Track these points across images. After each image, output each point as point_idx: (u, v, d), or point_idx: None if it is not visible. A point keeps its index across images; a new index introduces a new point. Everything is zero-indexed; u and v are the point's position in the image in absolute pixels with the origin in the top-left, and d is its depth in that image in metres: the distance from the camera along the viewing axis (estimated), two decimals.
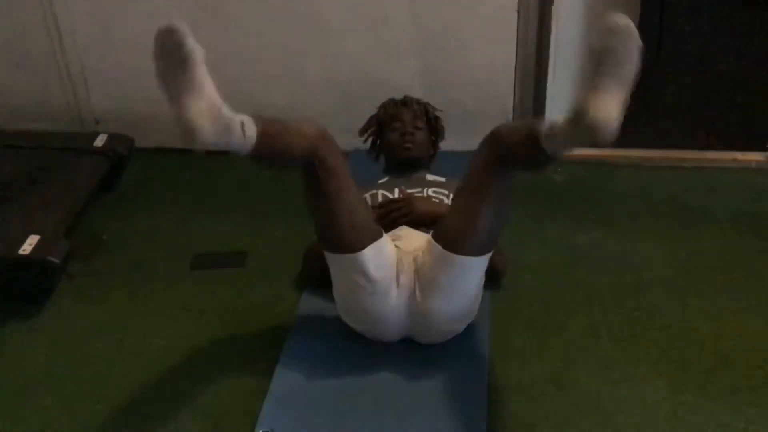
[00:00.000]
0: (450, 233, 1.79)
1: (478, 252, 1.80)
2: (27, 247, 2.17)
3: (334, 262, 1.86)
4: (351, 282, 1.82)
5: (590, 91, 1.43)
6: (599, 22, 1.45)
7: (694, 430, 1.73)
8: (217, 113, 1.54)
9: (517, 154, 1.67)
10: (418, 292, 1.82)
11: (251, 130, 1.61)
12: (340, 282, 1.88)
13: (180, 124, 1.53)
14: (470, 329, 1.95)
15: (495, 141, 1.72)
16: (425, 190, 2.23)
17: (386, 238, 1.86)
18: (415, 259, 1.85)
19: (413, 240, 1.93)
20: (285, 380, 1.82)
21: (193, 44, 1.53)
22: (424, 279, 1.82)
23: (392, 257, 1.84)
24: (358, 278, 1.80)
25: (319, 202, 1.78)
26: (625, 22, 1.44)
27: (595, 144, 1.45)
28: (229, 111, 1.58)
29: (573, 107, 1.46)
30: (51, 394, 1.91)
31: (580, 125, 1.44)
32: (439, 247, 1.79)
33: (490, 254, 1.85)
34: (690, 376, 1.88)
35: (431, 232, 1.86)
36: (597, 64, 1.44)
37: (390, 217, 2.06)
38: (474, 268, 1.83)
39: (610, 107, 1.42)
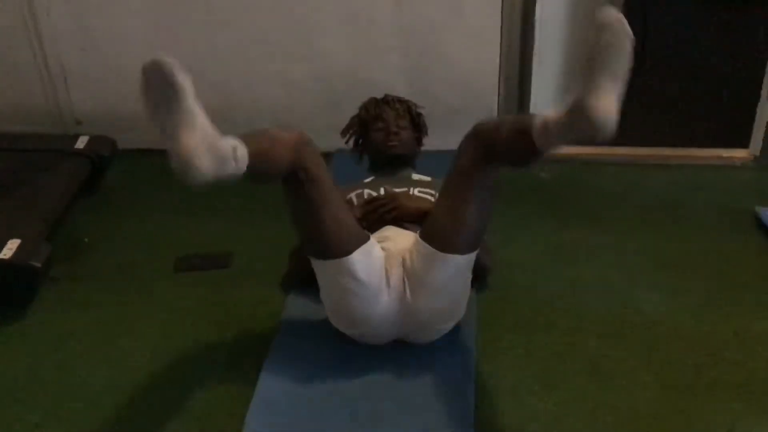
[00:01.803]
0: (439, 233, 1.78)
1: (467, 249, 1.80)
2: (7, 251, 2.14)
3: (322, 268, 1.84)
4: (340, 287, 1.80)
5: (588, 87, 1.42)
6: (593, 18, 1.45)
7: (682, 428, 1.73)
8: (212, 144, 1.50)
9: (506, 149, 1.65)
10: (408, 293, 1.81)
11: (243, 153, 1.57)
12: (329, 288, 1.86)
13: (176, 160, 1.48)
14: (457, 328, 1.95)
15: (482, 137, 1.71)
16: (411, 189, 2.22)
17: (373, 241, 1.86)
18: (403, 260, 1.84)
19: (400, 240, 1.92)
20: (271, 383, 1.81)
21: (182, 77, 1.48)
22: (413, 279, 1.81)
23: (380, 260, 1.83)
24: (348, 283, 1.78)
25: (303, 210, 1.77)
26: (617, 17, 1.43)
27: (593, 140, 1.44)
28: (221, 138, 1.54)
29: (572, 103, 1.45)
30: (35, 400, 1.88)
31: (579, 121, 1.43)
32: (430, 248, 1.78)
33: (476, 251, 1.85)
34: (677, 373, 1.88)
35: (419, 231, 1.85)
36: (592, 60, 1.43)
37: (377, 214, 2.05)
38: (463, 266, 1.83)
39: (608, 102, 1.41)
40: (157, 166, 2.98)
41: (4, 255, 2.13)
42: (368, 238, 1.84)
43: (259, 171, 1.63)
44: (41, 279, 2.21)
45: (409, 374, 1.83)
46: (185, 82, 1.48)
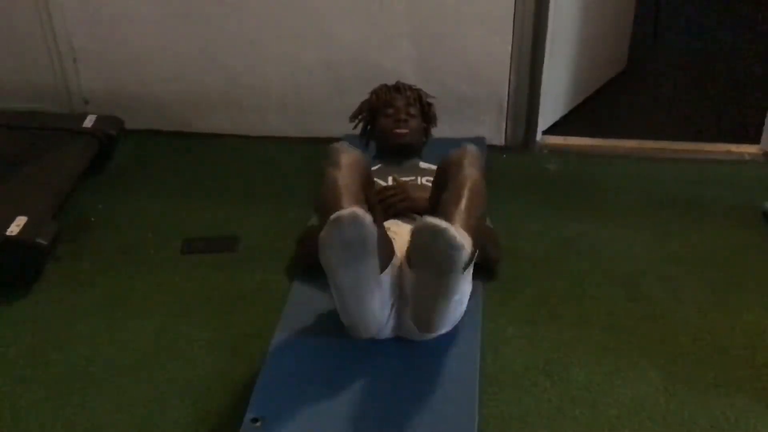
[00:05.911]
0: None
1: None
2: (14, 228, 2.14)
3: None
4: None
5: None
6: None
7: (685, 421, 1.73)
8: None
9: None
10: (404, 313, 1.77)
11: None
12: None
13: (353, 322, 1.59)
14: (462, 319, 1.94)
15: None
16: (419, 178, 2.21)
17: (398, 255, 1.75)
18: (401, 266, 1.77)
19: (405, 236, 1.88)
20: (275, 367, 1.80)
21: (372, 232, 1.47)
22: (409, 309, 1.76)
23: (396, 275, 1.74)
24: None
25: None
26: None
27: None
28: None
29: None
30: (38, 377, 1.89)
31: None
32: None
33: (469, 270, 1.72)
34: (682, 367, 1.88)
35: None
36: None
37: (386, 204, 2.03)
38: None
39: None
40: (165, 147, 3.02)
41: (11, 232, 2.13)
42: (394, 254, 1.74)
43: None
44: (47, 257, 2.21)
45: (413, 363, 1.82)
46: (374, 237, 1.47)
